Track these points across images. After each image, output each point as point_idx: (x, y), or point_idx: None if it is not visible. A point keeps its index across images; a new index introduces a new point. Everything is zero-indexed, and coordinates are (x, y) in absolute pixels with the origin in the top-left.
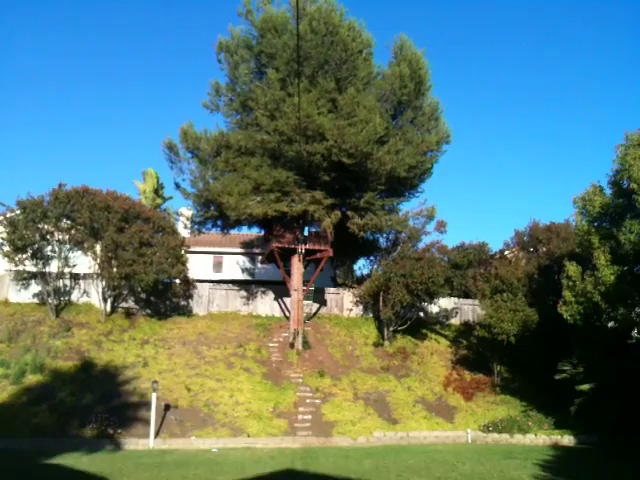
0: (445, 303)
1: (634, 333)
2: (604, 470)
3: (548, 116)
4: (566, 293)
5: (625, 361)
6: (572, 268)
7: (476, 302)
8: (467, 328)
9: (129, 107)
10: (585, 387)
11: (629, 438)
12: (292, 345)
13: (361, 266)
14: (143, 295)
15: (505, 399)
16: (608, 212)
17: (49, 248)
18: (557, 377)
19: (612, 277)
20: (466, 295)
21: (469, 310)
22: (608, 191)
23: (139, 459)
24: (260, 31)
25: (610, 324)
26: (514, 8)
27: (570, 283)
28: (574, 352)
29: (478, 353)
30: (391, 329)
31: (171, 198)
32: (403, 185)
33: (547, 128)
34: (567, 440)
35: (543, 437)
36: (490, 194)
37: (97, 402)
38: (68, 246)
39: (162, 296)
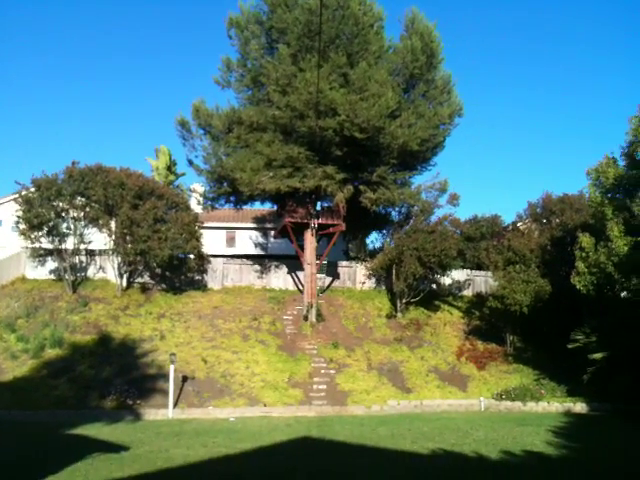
0: (458, 275)
1: None
2: (615, 436)
3: (562, 88)
4: (579, 264)
5: (638, 330)
6: (585, 239)
7: (489, 274)
8: (480, 299)
9: (142, 83)
10: (598, 356)
11: None
12: (306, 318)
13: (373, 240)
14: (158, 270)
15: (518, 368)
16: (622, 184)
17: (64, 225)
18: (570, 346)
19: (625, 248)
20: (479, 267)
21: (482, 282)
22: (622, 163)
23: (159, 428)
24: (270, 6)
25: (623, 294)
26: None
27: (583, 254)
28: (587, 322)
29: (491, 324)
30: (404, 301)
31: (184, 175)
32: (415, 159)
33: (561, 100)
34: (580, 407)
35: (556, 405)
36: (503, 166)
37: (116, 374)
38: (83, 223)
39: (177, 271)
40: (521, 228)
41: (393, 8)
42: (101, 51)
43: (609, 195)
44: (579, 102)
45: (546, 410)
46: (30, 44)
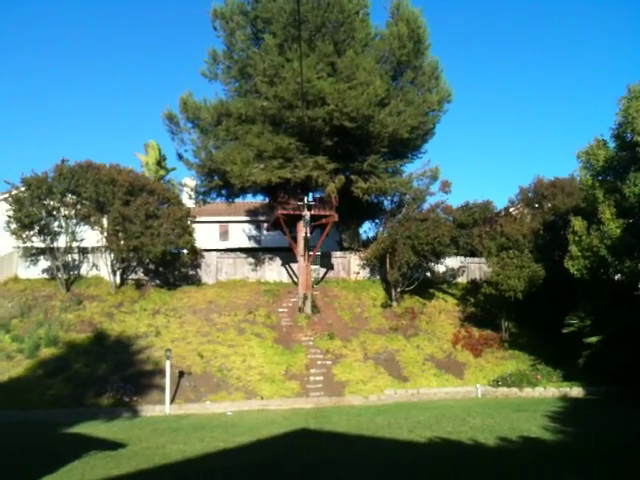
0: (451, 262)
1: None
2: (611, 419)
3: (551, 71)
4: (572, 248)
5: (632, 313)
6: (578, 223)
7: (482, 260)
8: (474, 286)
9: (128, 80)
10: (593, 339)
11: (637, 388)
12: (301, 309)
13: (366, 229)
14: (152, 266)
15: (514, 354)
16: (612, 165)
17: (56, 224)
18: (565, 330)
19: (618, 230)
20: (472, 254)
21: (475, 268)
22: (612, 144)
23: (156, 425)
24: None
25: (617, 277)
26: None
27: (576, 238)
28: (581, 306)
29: (486, 310)
30: (398, 290)
31: (174, 169)
32: (406, 146)
33: (550, 83)
34: (576, 392)
35: (552, 389)
36: (494, 151)
37: (112, 372)
38: (75, 221)
39: (170, 266)
40: (513, 213)
41: None
42: (88, 48)
43: (600, 177)
44: (569, 84)
45: (542, 395)
46: (18, 42)
